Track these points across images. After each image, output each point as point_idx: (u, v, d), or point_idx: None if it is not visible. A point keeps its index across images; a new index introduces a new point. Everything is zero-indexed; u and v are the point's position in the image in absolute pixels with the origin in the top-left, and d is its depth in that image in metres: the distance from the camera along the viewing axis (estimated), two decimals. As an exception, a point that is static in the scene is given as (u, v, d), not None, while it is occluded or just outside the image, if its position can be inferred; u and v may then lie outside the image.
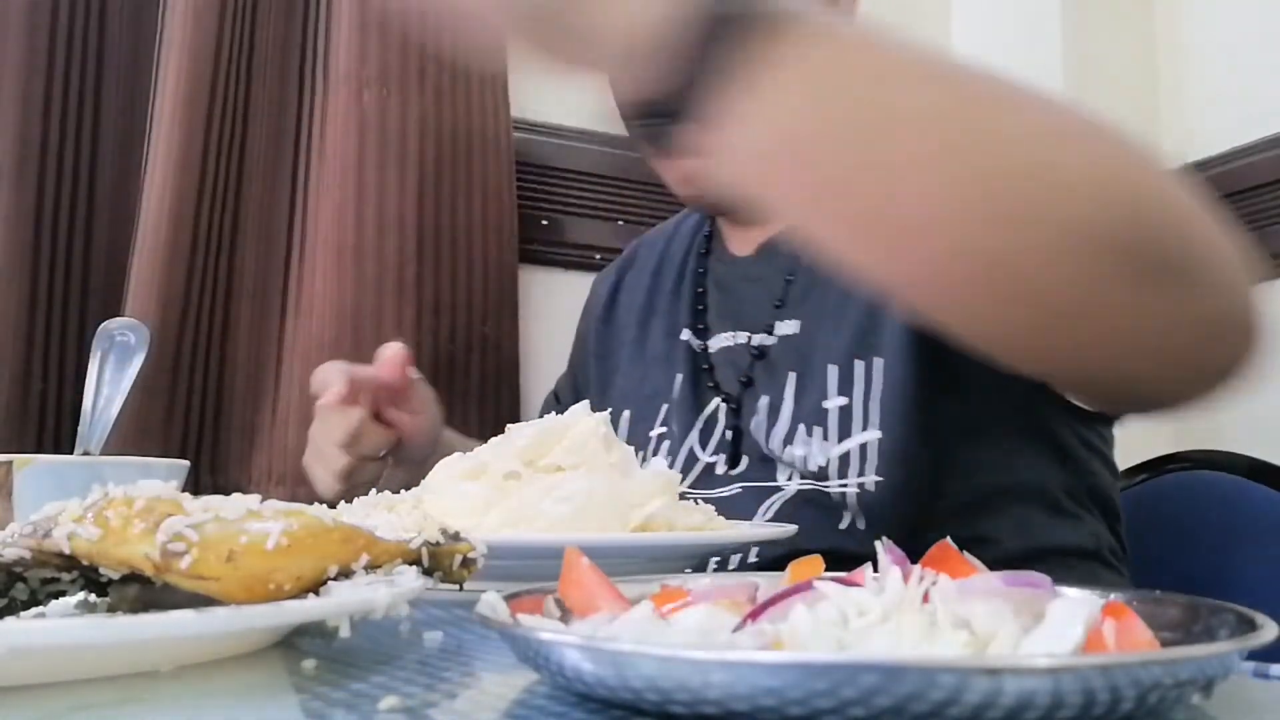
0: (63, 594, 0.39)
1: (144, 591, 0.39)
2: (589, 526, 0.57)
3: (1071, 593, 0.35)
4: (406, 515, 0.60)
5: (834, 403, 0.79)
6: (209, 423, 1.13)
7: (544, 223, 1.39)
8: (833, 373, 0.80)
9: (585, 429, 0.62)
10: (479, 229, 1.26)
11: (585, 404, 0.65)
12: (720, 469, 0.86)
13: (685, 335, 0.95)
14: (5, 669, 0.32)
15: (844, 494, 0.77)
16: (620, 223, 1.42)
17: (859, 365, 0.79)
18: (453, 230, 1.24)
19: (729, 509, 0.79)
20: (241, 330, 1.15)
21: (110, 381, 0.79)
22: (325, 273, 1.16)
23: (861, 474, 0.77)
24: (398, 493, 0.65)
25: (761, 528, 0.70)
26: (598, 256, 1.39)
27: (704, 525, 0.64)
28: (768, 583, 0.38)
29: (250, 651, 0.39)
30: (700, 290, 0.97)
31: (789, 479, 0.82)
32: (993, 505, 0.77)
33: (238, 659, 0.38)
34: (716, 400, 0.89)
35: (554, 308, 1.36)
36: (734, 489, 0.84)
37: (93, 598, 0.40)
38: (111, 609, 0.40)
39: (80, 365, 0.95)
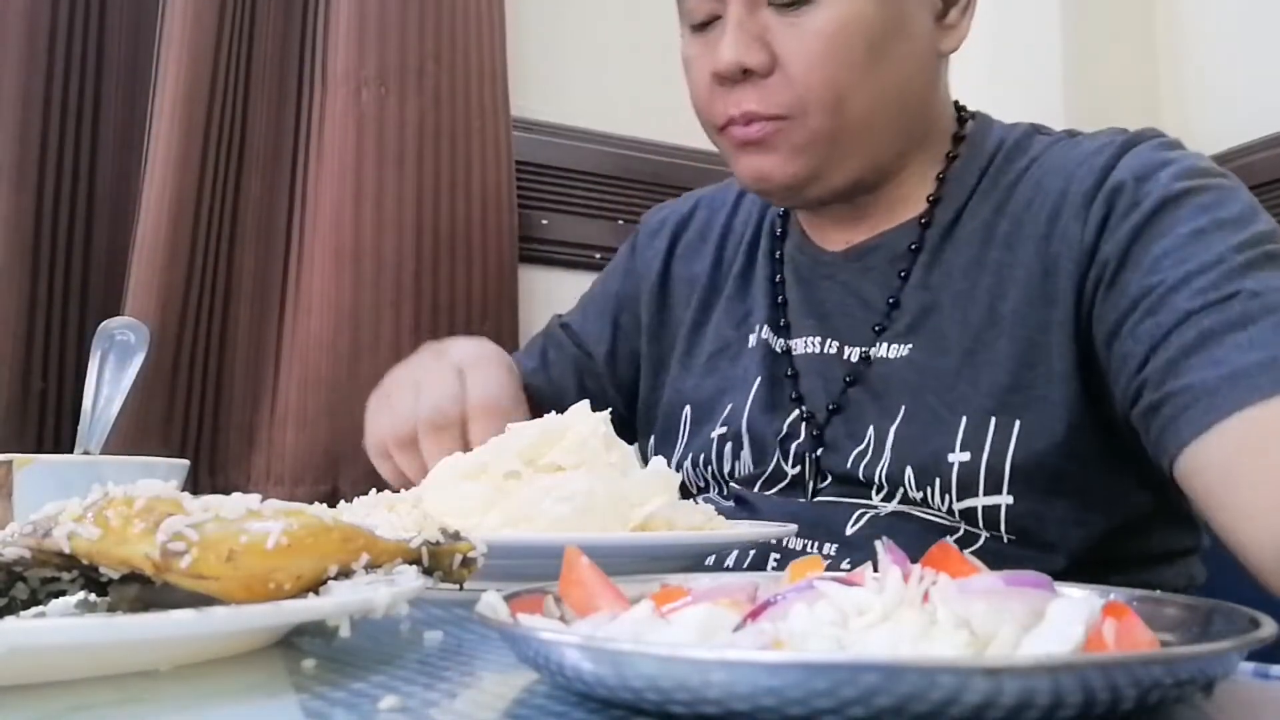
0: (63, 594, 0.39)
1: (144, 591, 0.39)
2: (589, 526, 0.57)
3: (1071, 592, 0.35)
4: (406, 515, 0.60)
5: (959, 457, 0.73)
6: (209, 423, 1.13)
7: (544, 222, 1.39)
8: (962, 424, 0.73)
9: (585, 428, 0.62)
10: (479, 229, 1.26)
11: (585, 404, 0.65)
12: (797, 484, 0.80)
13: (764, 332, 0.88)
14: (5, 669, 0.32)
15: (959, 528, 0.74)
16: (620, 222, 1.42)
17: (994, 421, 0.73)
18: (452, 230, 1.24)
19: (811, 522, 0.76)
20: (241, 330, 1.15)
21: (110, 381, 0.79)
22: (324, 272, 1.16)
23: (983, 527, 0.73)
24: (397, 492, 0.65)
25: (762, 527, 0.70)
26: (598, 256, 1.39)
27: (704, 525, 0.64)
28: (768, 583, 0.38)
29: (250, 651, 0.39)
30: (778, 280, 0.90)
31: (885, 499, 0.76)
32: (1116, 560, 0.74)
33: (238, 659, 0.38)
34: (797, 411, 0.82)
35: (554, 307, 1.36)
36: (819, 500, 0.79)
37: (93, 598, 0.40)
38: (111, 609, 0.40)
39: (80, 365, 0.95)
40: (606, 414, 0.64)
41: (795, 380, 0.83)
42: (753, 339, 0.88)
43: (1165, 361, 0.65)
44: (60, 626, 0.33)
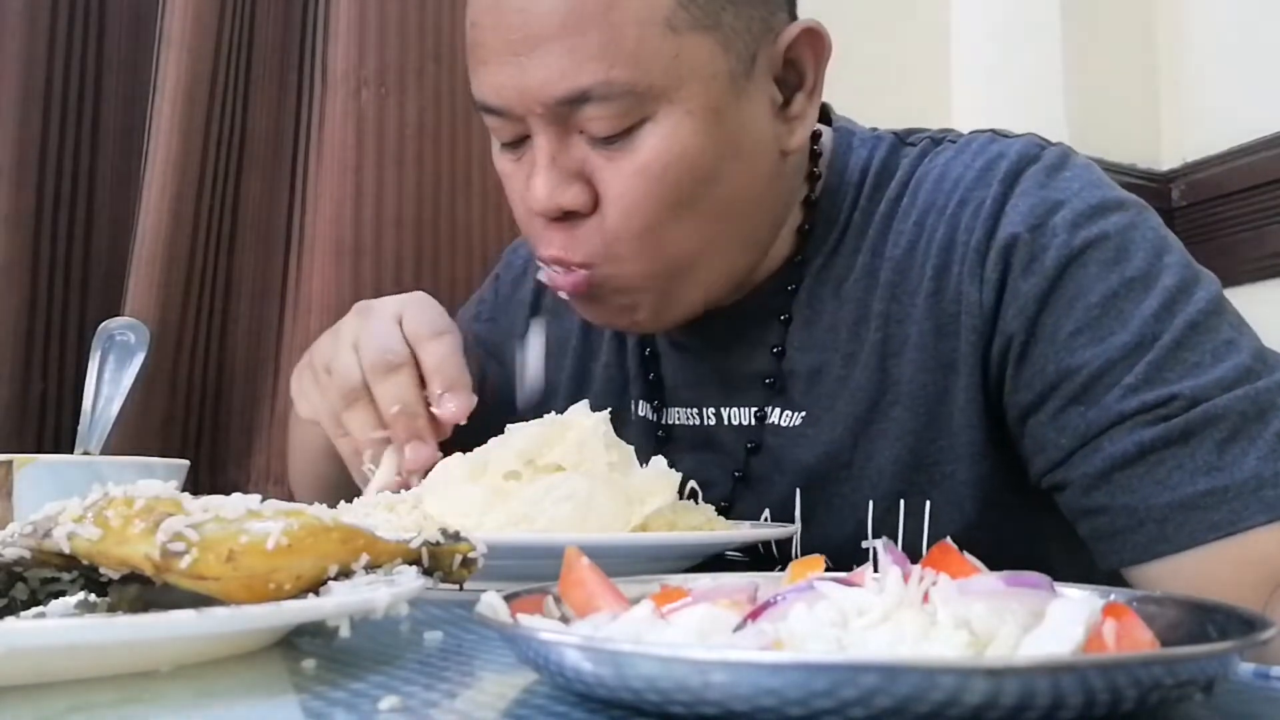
0: (63, 594, 0.39)
1: (144, 591, 0.39)
2: (591, 525, 0.57)
3: (1071, 592, 0.35)
4: (406, 515, 0.60)
5: (872, 544, 0.69)
6: (209, 423, 1.13)
7: (544, 222, 1.39)
8: (870, 508, 0.71)
9: (585, 428, 0.62)
10: (478, 228, 1.26)
11: (584, 404, 0.65)
12: None
13: (641, 408, 0.82)
14: (5, 669, 0.32)
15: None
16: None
17: (903, 504, 0.70)
18: (452, 229, 1.24)
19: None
20: (241, 330, 1.15)
21: (110, 381, 0.79)
22: (324, 272, 1.16)
23: None
24: (398, 493, 0.65)
25: (762, 528, 0.70)
26: (597, 256, 1.39)
27: (704, 525, 0.64)
28: (768, 583, 0.38)
29: (250, 651, 0.39)
30: (648, 352, 0.83)
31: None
32: None
33: (238, 659, 0.38)
34: (690, 488, 0.74)
35: (554, 307, 1.36)
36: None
37: (93, 598, 0.40)
38: (111, 609, 0.40)
39: (80, 365, 0.94)
40: (606, 414, 0.64)
41: (678, 463, 0.76)
42: (632, 413, 0.83)
43: (1097, 469, 0.62)
44: (60, 626, 0.33)
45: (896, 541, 0.68)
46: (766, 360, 0.76)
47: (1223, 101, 1.55)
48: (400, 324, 0.72)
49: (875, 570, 0.35)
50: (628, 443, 0.71)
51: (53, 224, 1.08)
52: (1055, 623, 0.30)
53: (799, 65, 0.71)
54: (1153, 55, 1.66)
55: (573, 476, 0.60)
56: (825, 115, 0.80)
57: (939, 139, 0.76)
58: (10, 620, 0.35)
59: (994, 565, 0.68)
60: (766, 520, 0.75)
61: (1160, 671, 0.28)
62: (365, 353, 0.70)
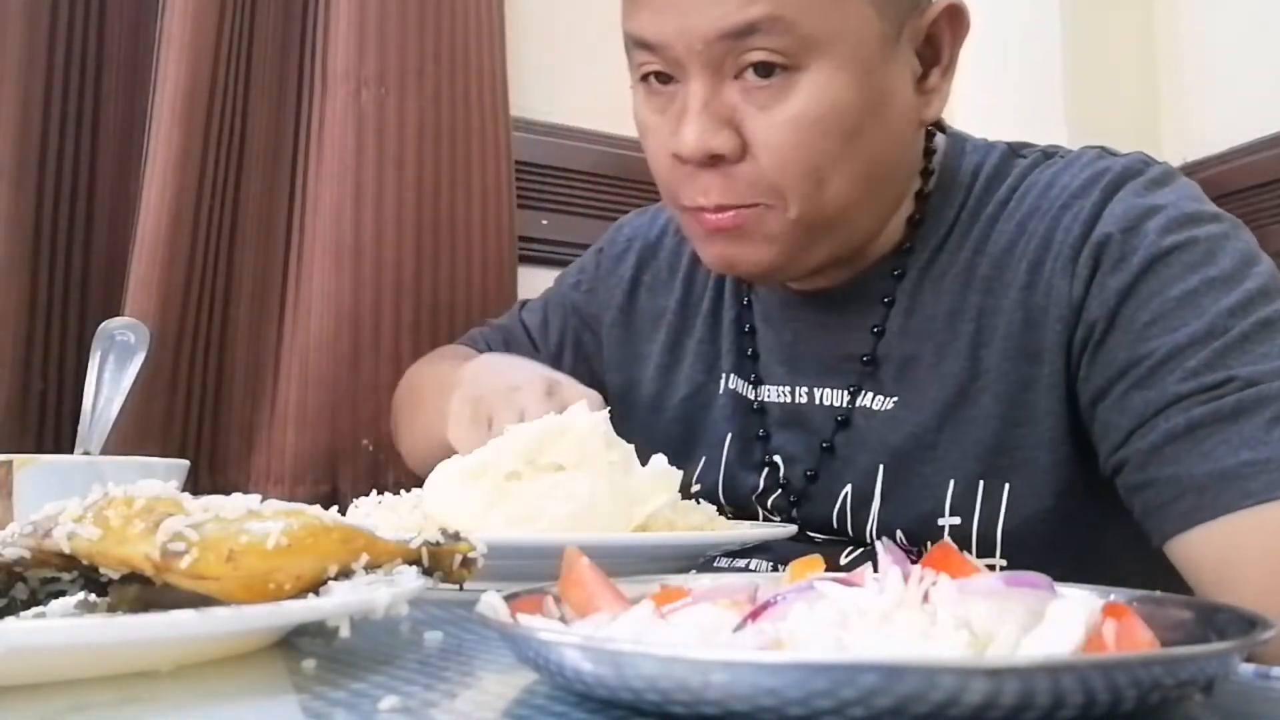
0: (63, 594, 0.39)
1: (144, 591, 0.39)
2: (592, 525, 0.57)
3: (1071, 592, 0.35)
4: (406, 515, 0.60)
5: (949, 520, 0.71)
6: (209, 423, 1.13)
7: (544, 222, 1.39)
8: (950, 488, 0.72)
9: (586, 428, 0.62)
10: (478, 229, 1.26)
11: (584, 404, 0.65)
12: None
13: (732, 381, 0.85)
14: (5, 669, 0.32)
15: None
16: (620, 222, 1.42)
17: (982, 486, 0.71)
18: (452, 230, 1.24)
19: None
20: (241, 330, 1.15)
21: (110, 381, 0.79)
22: (324, 272, 1.16)
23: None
24: (398, 493, 0.65)
25: (762, 528, 0.70)
26: (597, 256, 1.39)
27: (704, 525, 0.64)
28: (768, 583, 0.38)
29: (250, 651, 0.39)
30: (748, 327, 0.85)
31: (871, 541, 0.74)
32: None
33: (238, 659, 0.38)
34: (770, 467, 0.79)
35: (554, 307, 1.36)
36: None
37: (93, 598, 0.40)
38: (111, 609, 0.40)
39: (80, 365, 0.94)
40: (606, 413, 0.64)
41: (768, 437, 0.80)
42: (722, 386, 0.85)
43: (1150, 445, 0.63)
44: (60, 626, 0.33)
45: (972, 523, 0.71)
46: (866, 340, 0.77)
47: (1223, 101, 1.55)
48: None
49: (875, 570, 0.35)
50: (717, 417, 0.79)
51: (53, 224, 1.08)
52: (1055, 623, 0.30)
53: (937, 41, 0.73)
54: (1153, 55, 1.66)
55: (573, 476, 0.60)
56: (939, 123, 0.83)
57: (1050, 153, 0.78)
58: (10, 620, 0.35)
59: (1060, 551, 0.69)
60: (847, 497, 0.77)
61: (1160, 671, 0.28)
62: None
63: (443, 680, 0.36)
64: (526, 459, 0.61)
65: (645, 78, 0.72)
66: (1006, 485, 0.71)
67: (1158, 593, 0.38)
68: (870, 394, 0.77)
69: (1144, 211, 0.69)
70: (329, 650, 0.40)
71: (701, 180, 0.70)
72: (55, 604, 0.39)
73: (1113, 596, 0.36)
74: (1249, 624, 0.32)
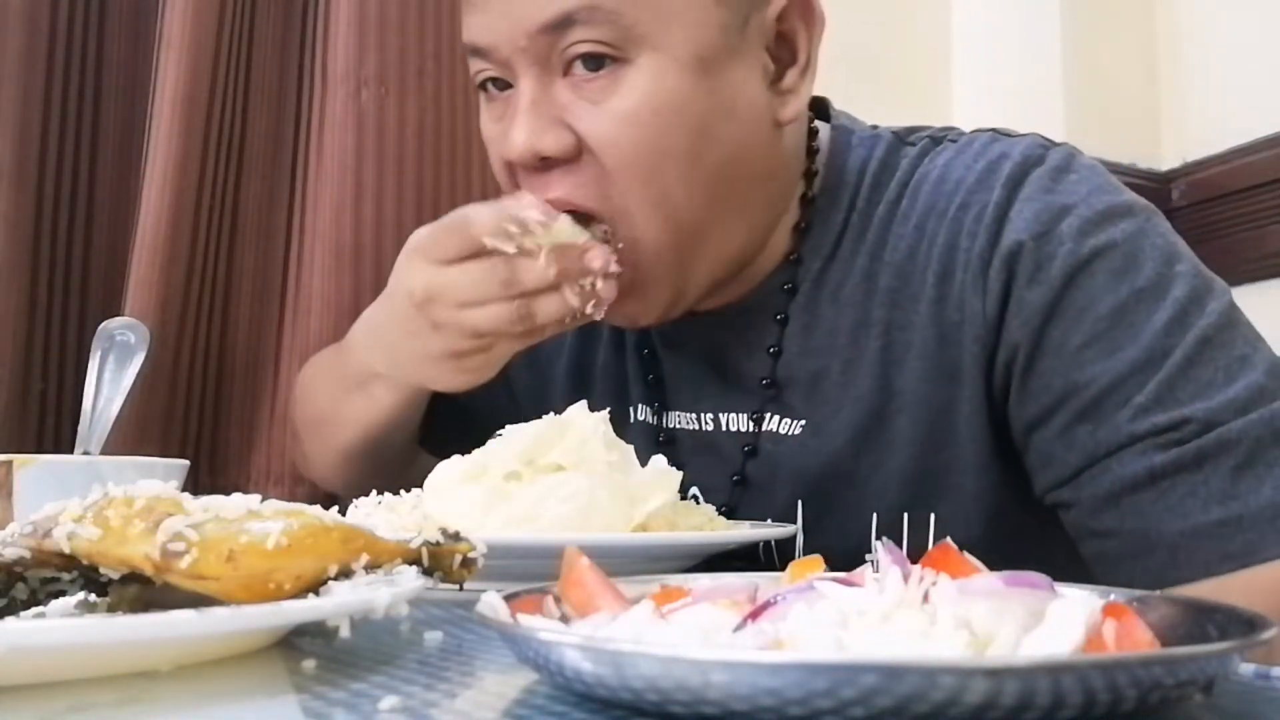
0: (63, 594, 0.39)
1: (144, 591, 0.39)
2: (592, 525, 0.57)
3: (1071, 593, 0.35)
4: (406, 515, 0.60)
5: (875, 557, 0.70)
6: (209, 423, 1.13)
7: (544, 222, 1.39)
8: (874, 521, 0.70)
9: (585, 428, 0.62)
10: (479, 229, 1.26)
11: (583, 404, 0.65)
12: None
13: (640, 411, 0.81)
14: (5, 669, 0.32)
15: None
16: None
17: (907, 517, 0.69)
18: (452, 230, 1.23)
19: None
20: (241, 330, 1.15)
21: (110, 381, 0.79)
22: (324, 272, 1.16)
23: None
24: (397, 493, 0.65)
25: (762, 528, 0.70)
26: (597, 256, 1.38)
27: (704, 525, 0.64)
28: (768, 583, 0.38)
29: (250, 651, 0.39)
30: (646, 351, 0.81)
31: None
32: None
33: (238, 659, 0.38)
34: (694, 495, 0.75)
35: (554, 307, 1.35)
36: None
37: (93, 598, 0.40)
38: (111, 609, 0.40)
39: (80, 365, 0.94)
40: (605, 413, 0.64)
41: (682, 468, 0.73)
42: (633, 416, 0.82)
43: (1108, 491, 0.61)
44: (60, 626, 0.33)
45: (901, 551, 0.68)
46: (764, 361, 0.74)
47: (1223, 101, 1.55)
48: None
49: (875, 570, 0.35)
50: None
51: (53, 224, 1.08)
52: (1055, 623, 0.30)
53: (792, 39, 0.70)
54: (1153, 55, 1.66)
55: (573, 476, 0.60)
56: (824, 112, 0.79)
57: (939, 138, 0.74)
58: (10, 620, 0.35)
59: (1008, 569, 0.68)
60: None
61: (1160, 671, 0.28)
62: (477, 228, 0.66)
63: (443, 680, 0.36)
64: (526, 459, 0.61)
65: (483, 85, 0.70)
66: (933, 515, 0.69)
67: (1158, 593, 0.38)
68: (776, 417, 0.73)
69: (1055, 213, 0.65)
70: (329, 650, 0.40)
71: (540, 181, 0.66)
72: (55, 604, 0.39)
73: (1113, 596, 0.36)
74: (1249, 624, 0.32)
